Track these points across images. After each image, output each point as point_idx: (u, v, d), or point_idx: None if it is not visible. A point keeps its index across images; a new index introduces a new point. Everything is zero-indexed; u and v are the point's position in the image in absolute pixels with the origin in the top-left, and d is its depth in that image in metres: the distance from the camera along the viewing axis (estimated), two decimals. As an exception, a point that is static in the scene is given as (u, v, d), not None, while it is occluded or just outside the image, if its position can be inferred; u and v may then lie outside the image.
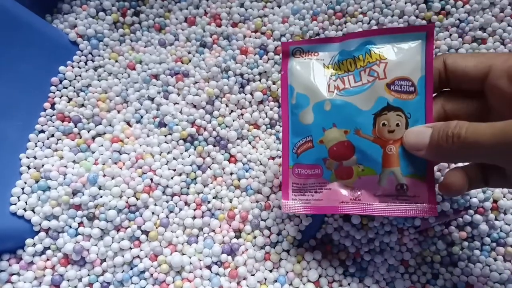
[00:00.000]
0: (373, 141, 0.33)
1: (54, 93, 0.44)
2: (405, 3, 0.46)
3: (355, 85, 0.33)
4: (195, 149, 0.43)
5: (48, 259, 0.38)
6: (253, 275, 0.39)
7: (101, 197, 0.39)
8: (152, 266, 0.38)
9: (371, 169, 0.33)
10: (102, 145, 0.42)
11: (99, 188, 0.39)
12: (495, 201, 0.40)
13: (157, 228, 0.39)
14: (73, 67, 0.45)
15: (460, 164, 0.36)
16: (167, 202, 0.41)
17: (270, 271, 0.40)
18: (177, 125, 0.42)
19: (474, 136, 0.26)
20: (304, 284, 0.39)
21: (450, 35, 0.45)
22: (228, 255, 0.39)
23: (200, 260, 0.39)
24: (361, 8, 0.46)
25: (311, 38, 0.46)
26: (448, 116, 0.33)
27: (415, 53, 0.32)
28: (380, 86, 0.32)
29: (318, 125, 0.34)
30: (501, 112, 0.30)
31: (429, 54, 0.31)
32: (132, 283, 0.38)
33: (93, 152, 0.42)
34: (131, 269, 0.39)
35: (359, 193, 0.34)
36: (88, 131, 0.43)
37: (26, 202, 0.38)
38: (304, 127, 0.35)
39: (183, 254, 0.39)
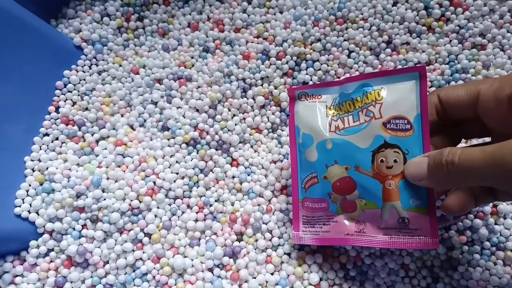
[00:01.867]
0: (372, 177, 0.34)
1: (58, 96, 0.45)
2: (406, 9, 0.46)
3: (353, 125, 0.35)
4: (197, 153, 0.43)
5: (51, 261, 0.39)
6: (255, 277, 0.39)
7: (105, 199, 0.39)
8: (154, 268, 0.38)
9: (373, 203, 0.35)
10: (105, 149, 0.43)
11: (103, 191, 0.40)
12: (494, 206, 0.40)
13: (159, 230, 0.40)
14: (77, 71, 0.46)
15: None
16: (169, 205, 0.41)
17: (272, 274, 0.40)
18: (180, 129, 0.43)
19: (467, 162, 0.27)
20: (305, 287, 0.39)
21: (450, 41, 0.46)
22: (230, 257, 0.39)
23: (202, 263, 0.39)
24: (362, 14, 0.47)
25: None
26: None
27: (410, 92, 0.33)
28: (376, 125, 0.34)
29: (322, 162, 0.37)
30: (499, 131, 0.31)
31: (423, 92, 0.33)
32: (134, 285, 0.38)
33: (97, 155, 0.42)
34: (134, 271, 0.39)
35: (363, 226, 0.36)
36: (92, 135, 0.43)
37: (30, 204, 0.39)
38: (310, 164, 0.37)
39: (185, 257, 0.39)
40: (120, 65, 0.47)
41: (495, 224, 0.40)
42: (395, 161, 0.33)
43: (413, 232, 0.34)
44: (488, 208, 0.39)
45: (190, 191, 0.42)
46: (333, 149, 0.36)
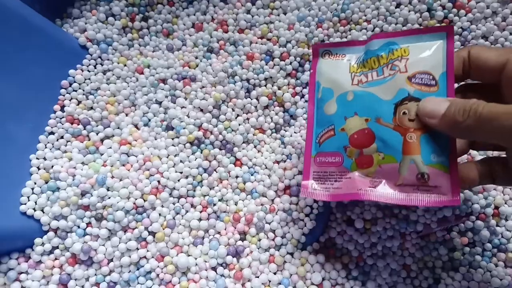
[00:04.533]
0: (393, 129, 0.33)
1: (64, 96, 0.45)
2: (409, 11, 0.46)
3: (377, 78, 0.34)
4: (201, 152, 0.43)
5: (56, 259, 0.39)
6: (258, 277, 0.40)
7: (109, 198, 0.40)
8: (158, 266, 0.39)
9: (391, 157, 0.33)
10: (110, 147, 0.43)
11: (107, 190, 0.40)
12: (496, 208, 0.40)
13: (163, 229, 0.40)
14: (82, 71, 0.46)
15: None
16: (173, 204, 0.41)
17: (274, 273, 0.40)
18: (184, 128, 0.43)
19: (490, 114, 0.27)
20: (307, 287, 0.39)
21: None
22: (233, 257, 0.40)
23: (206, 262, 0.40)
24: (365, 16, 0.47)
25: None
26: None
27: (437, 51, 0.33)
28: (401, 79, 0.33)
29: (341, 115, 0.35)
30: None
31: (450, 51, 0.32)
32: (138, 283, 0.39)
33: (102, 154, 0.43)
34: (138, 269, 0.39)
35: (378, 182, 0.34)
36: (97, 134, 0.44)
37: (35, 202, 0.39)
38: (328, 117, 0.36)
39: (189, 256, 0.40)
40: (125, 65, 0.48)
41: (497, 225, 0.40)
42: (417, 114, 0.32)
43: (432, 190, 0.32)
44: (489, 210, 0.39)
45: (194, 190, 0.42)
46: (354, 101, 0.35)
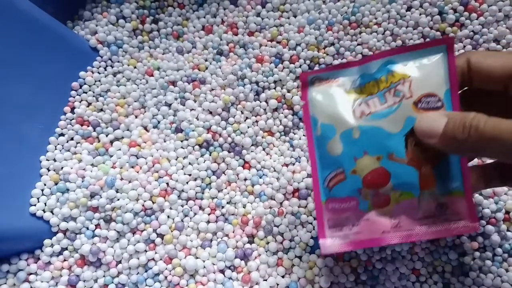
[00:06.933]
0: (407, 164, 0.31)
1: (74, 97, 0.45)
2: (420, 14, 0.46)
3: (381, 108, 0.32)
4: (210, 155, 0.43)
5: (65, 260, 0.39)
6: (266, 280, 0.40)
7: (118, 200, 0.40)
8: (166, 269, 0.39)
9: (409, 193, 0.31)
10: (119, 149, 0.43)
11: (116, 191, 0.40)
12: (507, 212, 0.40)
13: (172, 231, 0.40)
14: (93, 73, 0.46)
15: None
16: (182, 206, 0.41)
17: (282, 276, 0.40)
18: (193, 131, 0.43)
19: (493, 131, 0.25)
20: (315, 291, 0.39)
21: (464, 46, 0.46)
22: (241, 260, 0.40)
23: (214, 264, 0.40)
24: (376, 19, 0.47)
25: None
26: None
27: (438, 67, 0.31)
28: (407, 106, 0.31)
29: (349, 155, 0.32)
30: None
31: (452, 65, 0.30)
32: (146, 285, 0.39)
33: (111, 156, 0.43)
34: (146, 271, 0.39)
35: (398, 220, 0.32)
36: (107, 135, 0.44)
37: (45, 204, 0.39)
38: (333, 158, 0.33)
39: (197, 258, 0.40)
40: (135, 67, 0.48)
41: (508, 230, 0.40)
42: None
43: (451, 218, 0.31)
44: (500, 215, 0.39)
45: (203, 193, 0.42)
46: (361, 138, 0.32)
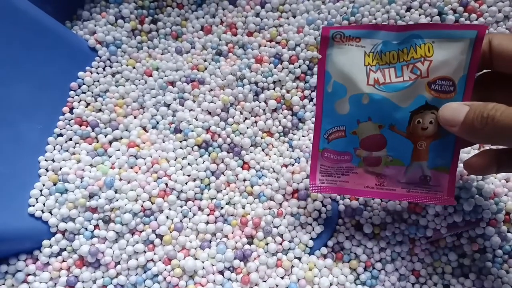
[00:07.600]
0: (406, 137, 0.34)
1: (73, 97, 0.45)
2: (419, 15, 0.46)
3: (395, 81, 0.33)
4: (209, 155, 0.43)
5: (63, 261, 0.39)
6: (265, 281, 0.39)
7: (117, 200, 0.40)
8: (165, 269, 0.38)
9: (399, 161, 0.35)
10: (118, 150, 0.43)
11: (115, 192, 0.40)
12: (507, 213, 0.40)
13: (171, 232, 0.40)
14: (91, 73, 0.46)
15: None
16: (181, 207, 0.41)
17: (282, 277, 0.40)
18: (192, 131, 0.43)
19: (508, 120, 0.26)
20: (315, 292, 0.39)
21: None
22: (240, 260, 0.40)
23: (213, 265, 0.39)
24: (375, 19, 0.47)
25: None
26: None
27: (462, 51, 0.31)
28: (421, 85, 0.32)
29: (353, 117, 0.35)
30: None
31: (476, 54, 0.31)
32: (145, 286, 0.39)
33: (110, 156, 0.43)
34: (145, 272, 0.39)
35: (383, 179, 0.36)
36: (105, 136, 0.44)
37: (44, 204, 0.39)
38: (339, 116, 0.35)
39: (196, 259, 0.40)
40: (134, 67, 0.48)
41: (508, 232, 0.40)
42: (430, 122, 0.32)
43: (431, 188, 0.35)
44: (501, 216, 0.39)
45: (202, 193, 0.42)
46: (369, 105, 0.34)
